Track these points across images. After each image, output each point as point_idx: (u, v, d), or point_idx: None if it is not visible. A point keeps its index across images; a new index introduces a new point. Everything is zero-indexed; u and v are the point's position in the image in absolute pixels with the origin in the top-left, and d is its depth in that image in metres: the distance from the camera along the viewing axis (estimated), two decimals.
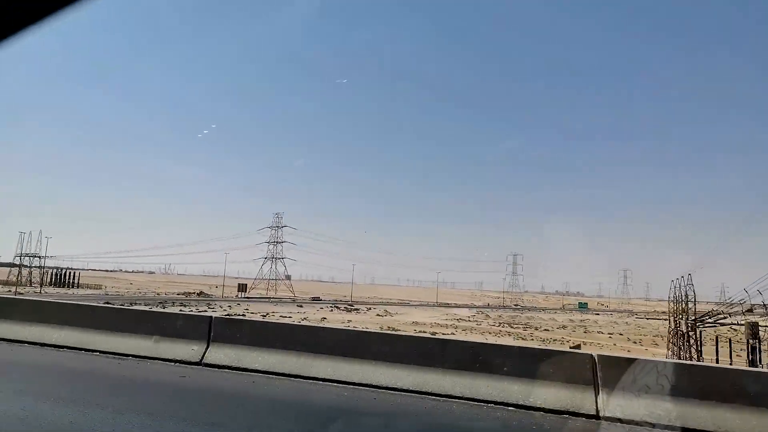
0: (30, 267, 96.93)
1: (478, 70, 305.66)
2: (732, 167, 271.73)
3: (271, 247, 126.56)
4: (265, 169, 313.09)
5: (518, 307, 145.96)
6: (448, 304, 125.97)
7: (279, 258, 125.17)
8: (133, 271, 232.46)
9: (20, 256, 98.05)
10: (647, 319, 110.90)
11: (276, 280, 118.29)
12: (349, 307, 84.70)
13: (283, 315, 62.20)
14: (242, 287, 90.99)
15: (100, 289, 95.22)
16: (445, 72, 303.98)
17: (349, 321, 61.16)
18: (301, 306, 78.86)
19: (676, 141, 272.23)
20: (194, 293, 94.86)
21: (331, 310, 77.65)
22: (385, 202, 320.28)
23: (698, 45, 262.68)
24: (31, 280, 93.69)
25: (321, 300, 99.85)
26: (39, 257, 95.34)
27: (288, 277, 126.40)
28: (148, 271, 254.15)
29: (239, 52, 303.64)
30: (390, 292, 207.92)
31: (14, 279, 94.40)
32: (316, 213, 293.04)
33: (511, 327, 67.74)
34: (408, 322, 66.71)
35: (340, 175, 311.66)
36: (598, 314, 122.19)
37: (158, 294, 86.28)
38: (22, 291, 74.37)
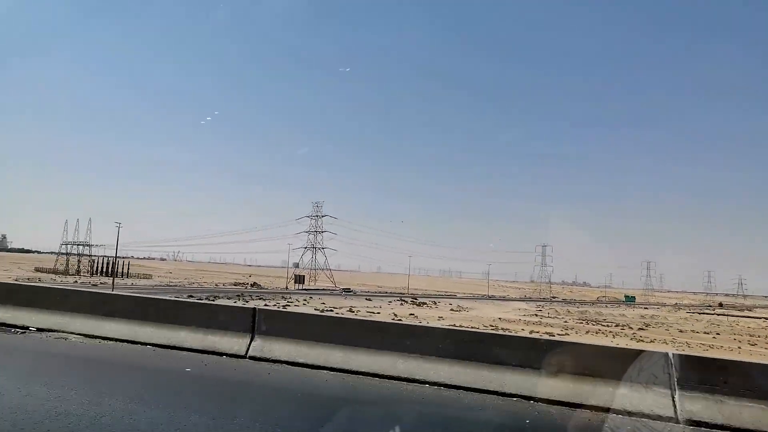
0: (79, 255, 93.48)
1: (496, 64, 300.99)
2: (745, 160, 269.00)
3: (310, 236, 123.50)
4: (271, 160, 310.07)
5: (557, 299, 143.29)
6: (493, 296, 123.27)
7: (320, 248, 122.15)
8: (144, 258, 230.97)
9: (66, 244, 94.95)
10: (699, 313, 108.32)
11: (323, 269, 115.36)
12: (413, 300, 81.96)
13: (370, 310, 59.45)
14: (299, 278, 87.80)
15: (150, 278, 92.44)
16: (458, 65, 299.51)
17: (440, 317, 58.39)
18: (370, 300, 76.07)
19: (687, 133, 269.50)
20: (248, 284, 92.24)
21: (401, 304, 74.96)
22: (391, 193, 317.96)
23: (711, 33, 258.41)
24: (79, 269, 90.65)
25: (351, 291, 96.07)
26: (90, 245, 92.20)
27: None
28: (159, 257, 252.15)
29: (245, 45, 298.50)
30: (405, 281, 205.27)
31: (61, 268, 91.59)
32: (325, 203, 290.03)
33: (601, 325, 65.04)
34: (493, 318, 64.05)
35: (349, 165, 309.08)
36: (647, 308, 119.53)
37: (218, 285, 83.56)
38: (83, 281, 71.51)
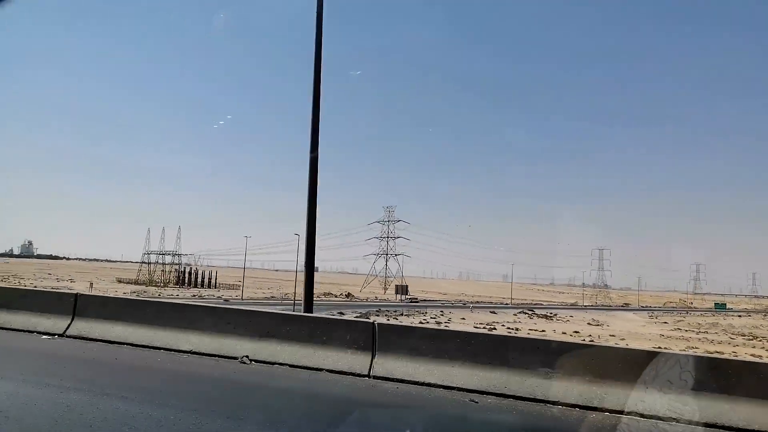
0: (164, 264, 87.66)
1: (508, 62, 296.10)
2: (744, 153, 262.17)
3: (382, 243, 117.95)
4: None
5: (631, 306, 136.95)
6: (576, 305, 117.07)
7: (392, 254, 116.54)
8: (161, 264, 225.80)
9: (148, 254, 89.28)
10: None
11: (395, 277, 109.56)
12: (532, 312, 76.15)
13: (533, 328, 53.82)
14: (402, 289, 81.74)
15: (237, 289, 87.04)
16: (463, 62, 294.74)
17: (624, 339, 52.57)
18: (495, 312, 70.35)
19: (704, 128, 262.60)
20: (341, 294, 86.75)
21: (531, 318, 69.29)
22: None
23: (713, 27, 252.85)
24: (164, 280, 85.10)
25: (418, 301, 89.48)
26: (179, 255, 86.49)
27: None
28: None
29: (253, 47, 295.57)
30: (447, 286, 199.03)
31: (146, 278, 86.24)
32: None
33: None
34: (652, 335, 58.35)
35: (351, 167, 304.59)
36: (739, 316, 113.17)
37: (318, 297, 77.92)
38: (179, 292, 66.07)
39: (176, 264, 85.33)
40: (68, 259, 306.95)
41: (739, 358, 5.41)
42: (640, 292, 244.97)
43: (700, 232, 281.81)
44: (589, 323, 67.05)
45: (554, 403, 4.97)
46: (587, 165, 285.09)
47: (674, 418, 4.53)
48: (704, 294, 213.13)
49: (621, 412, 4.73)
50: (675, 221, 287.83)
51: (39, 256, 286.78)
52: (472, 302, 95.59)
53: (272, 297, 72.49)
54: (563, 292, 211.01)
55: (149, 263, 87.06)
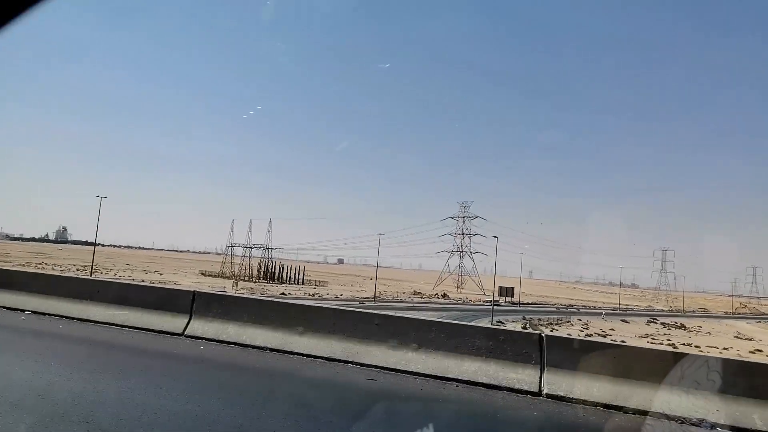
0: (251, 258, 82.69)
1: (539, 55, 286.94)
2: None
3: (457, 240, 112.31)
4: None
5: (708, 311, 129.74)
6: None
7: (468, 252, 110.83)
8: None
9: (231, 246, 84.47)
10: None
11: (470, 275, 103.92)
12: (657, 321, 70.02)
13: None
14: (507, 291, 75.65)
15: (324, 286, 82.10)
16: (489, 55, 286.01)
17: None
18: (627, 322, 64.41)
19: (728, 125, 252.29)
20: (434, 295, 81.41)
21: (667, 328, 63.30)
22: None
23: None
24: (251, 274, 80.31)
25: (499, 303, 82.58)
26: (269, 248, 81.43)
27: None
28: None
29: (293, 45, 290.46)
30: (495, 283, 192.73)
31: (230, 272, 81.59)
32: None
33: None
34: None
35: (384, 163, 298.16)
36: None
37: (408, 296, 72.72)
38: (283, 290, 61.09)
39: (266, 258, 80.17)
40: (102, 245, 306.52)
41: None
42: (679, 293, 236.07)
43: (740, 235, 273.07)
44: (736, 336, 60.84)
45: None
46: (618, 164, 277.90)
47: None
48: (760, 297, 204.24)
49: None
50: (711, 223, 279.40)
51: (74, 242, 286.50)
52: (572, 307, 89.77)
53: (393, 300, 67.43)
54: (608, 293, 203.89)
55: (231, 255, 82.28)
